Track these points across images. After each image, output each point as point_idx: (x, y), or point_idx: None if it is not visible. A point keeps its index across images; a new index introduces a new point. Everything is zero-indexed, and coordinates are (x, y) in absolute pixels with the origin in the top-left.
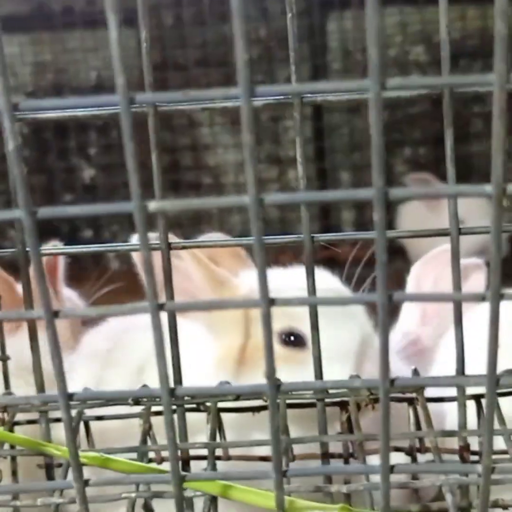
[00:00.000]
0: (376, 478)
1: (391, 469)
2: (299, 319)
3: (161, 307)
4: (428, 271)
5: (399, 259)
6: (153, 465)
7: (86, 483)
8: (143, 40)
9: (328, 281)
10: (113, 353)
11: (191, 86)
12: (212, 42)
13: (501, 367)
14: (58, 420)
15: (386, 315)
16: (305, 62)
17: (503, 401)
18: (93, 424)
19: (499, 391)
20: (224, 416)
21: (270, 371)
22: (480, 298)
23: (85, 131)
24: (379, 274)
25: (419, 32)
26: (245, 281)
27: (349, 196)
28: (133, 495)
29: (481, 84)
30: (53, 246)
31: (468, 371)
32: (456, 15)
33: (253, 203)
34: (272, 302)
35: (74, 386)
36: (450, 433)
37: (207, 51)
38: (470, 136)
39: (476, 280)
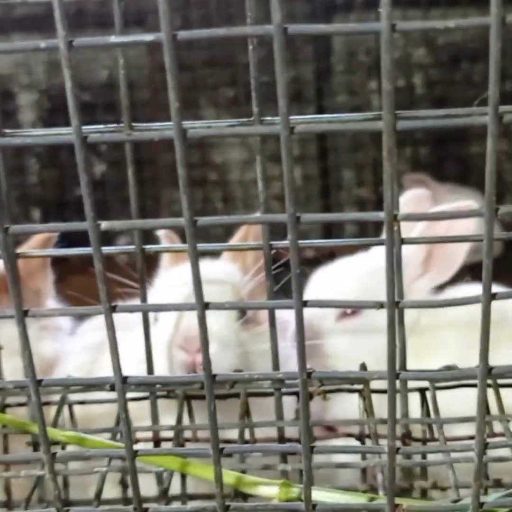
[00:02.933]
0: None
1: (311, 449)
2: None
3: (113, 309)
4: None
5: None
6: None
7: (53, 456)
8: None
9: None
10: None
11: (198, 87)
12: (218, 43)
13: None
14: (46, 403)
15: (301, 318)
16: (309, 64)
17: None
18: (81, 409)
19: (438, 385)
20: (196, 403)
21: (206, 363)
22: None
23: None
24: (294, 283)
25: (421, 35)
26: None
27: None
28: (104, 469)
29: (372, 130)
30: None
31: None
32: (457, 18)
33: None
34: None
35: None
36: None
37: (214, 52)
38: (470, 137)
39: (465, 224)
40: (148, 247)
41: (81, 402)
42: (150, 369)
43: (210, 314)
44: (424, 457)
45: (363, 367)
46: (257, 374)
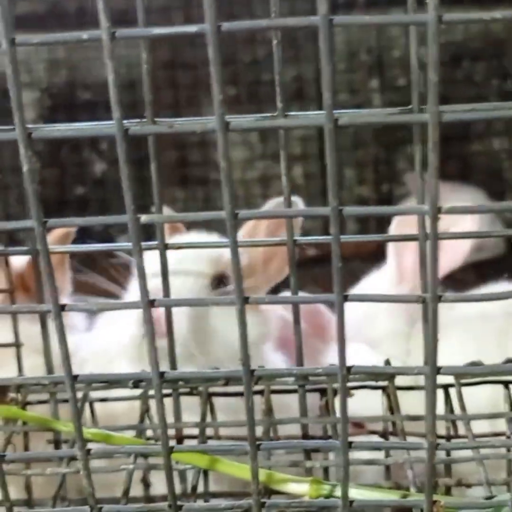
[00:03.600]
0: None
1: (349, 445)
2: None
3: (152, 303)
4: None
5: None
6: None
7: (88, 452)
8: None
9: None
10: None
11: (199, 84)
12: (220, 42)
13: None
14: (65, 400)
15: (342, 312)
16: (310, 62)
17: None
18: (101, 407)
19: (463, 381)
20: (218, 400)
21: (245, 358)
22: (420, 300)
23: None
24: (336, 277)
25: (422, 34)
26: None
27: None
28: (131, 466)
29: (415, 122)
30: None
31: None
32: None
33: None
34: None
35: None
36: (415, 418)
37: None
38: (471, 136)
39: (468, 224)
40: (171, 243)
41: (103, 400)
42: (173, 365)
43: (176, 278)
44: (447, 454)
45: (388, 363)
46: (295, 369)
